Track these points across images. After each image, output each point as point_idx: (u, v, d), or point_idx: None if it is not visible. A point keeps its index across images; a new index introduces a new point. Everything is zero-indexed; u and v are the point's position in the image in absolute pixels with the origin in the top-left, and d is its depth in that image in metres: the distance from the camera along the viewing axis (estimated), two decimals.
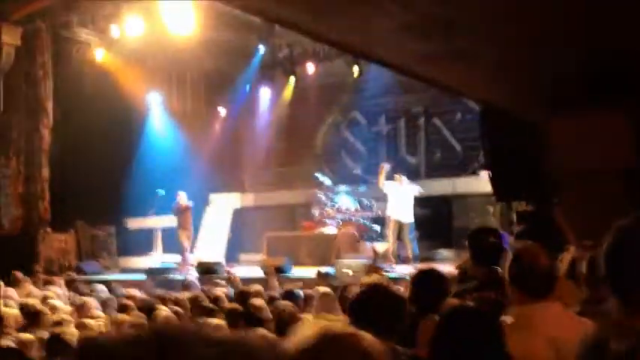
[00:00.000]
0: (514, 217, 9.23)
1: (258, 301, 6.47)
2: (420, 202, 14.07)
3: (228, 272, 12.31)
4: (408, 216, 12.69)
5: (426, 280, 3.75)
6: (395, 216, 12.67)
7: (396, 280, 8.94)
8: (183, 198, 13.79)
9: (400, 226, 12.61)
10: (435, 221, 14.60)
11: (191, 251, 13.84)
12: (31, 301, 7.74)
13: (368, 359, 1.43)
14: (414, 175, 15.92)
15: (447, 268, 6.55)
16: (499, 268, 3.64)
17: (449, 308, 2.62)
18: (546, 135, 6.01)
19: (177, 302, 7.68)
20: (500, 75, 5.92)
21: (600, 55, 5.05)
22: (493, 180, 8.20)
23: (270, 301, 6.82)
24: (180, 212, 13.72)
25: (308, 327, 1.51)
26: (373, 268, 9.85)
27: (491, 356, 2.33)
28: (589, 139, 5.71)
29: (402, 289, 5.81)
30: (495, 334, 2.34)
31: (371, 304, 2.89)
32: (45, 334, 5.80)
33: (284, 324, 5.36)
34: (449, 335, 2.36)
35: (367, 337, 1.48)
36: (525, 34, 4.83)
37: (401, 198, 12.68)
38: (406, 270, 10.52)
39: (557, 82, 5.51)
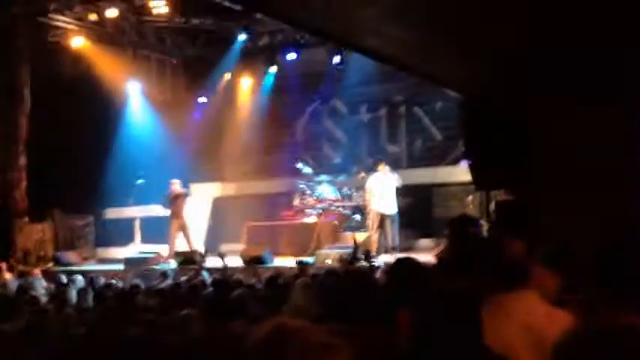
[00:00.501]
0: (493, 206, 9.27)
1: (238, 292, 6.44)
2: (400, 191, 14.09)
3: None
4: (391, 207, 12.71)
5: (403, 269, 3.73)
6: (376, 207, 12.68)
7: (376, 270, 8.94)
8: (177, 185, 13.64)
9: (382, 218, 12.62)
10: (416, 211, 14.63)
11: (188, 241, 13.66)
12: (7, 291, 7.66)
13: (319, 353, 1.45)
14: (395, 165, 15.94)
15: (427, 258, 6.56)
16: (478, 257, 3.62)
17: (427, 297, 2.60)
18: (527, 125, 6.03)
19: (155, 292, 7.63)
20: (480, 63, 5.91)
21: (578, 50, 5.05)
22: (472, 169, 8.22)
23: (251, 290, 6.79)
24: (174, 200, 13.55)
25: (266, 322, 1.55)
26: (345, 259, 9.82)
27: (470, 344, 2.31)
28: (574, 127, 5.72)
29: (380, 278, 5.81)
30: (474, 323, 2.33)
31: (341, 293, 2.86)
32: (22, 325, 5.73)
33: (262, 314, 5.33)
34: (427, 324, 2.34)
35: (321, 331, 1.51)
36: (508, 24, 4.82)
37: (384, 189, 12.69)
38: (389, 260, 10.52)
39: (538, 72, 5.51)
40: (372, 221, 12.66)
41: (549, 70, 5.30)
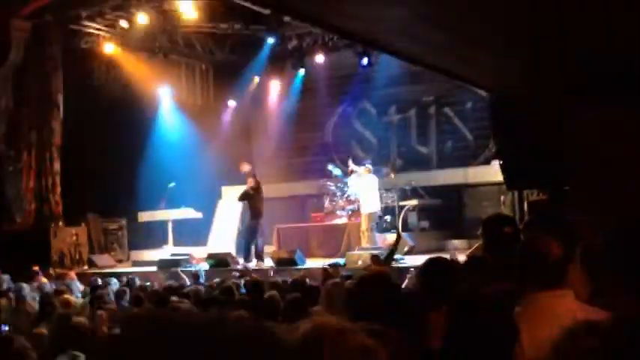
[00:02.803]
0: (526, 206, 9.19)
1: (271, 293, 6.48)
2: (431, 192, 14.06)
3: (243, 265, 12.35)
4: (372, 206, 12.80)
5: (436, 270, 3.71)
6: (363, 210, 12.98)
7: (403, 271, 8.95)
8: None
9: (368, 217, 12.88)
10: (446, 211, 14.56)
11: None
12: (45, 294, 7.79)
13: (357, 355, 1.44)
14: (425, 165, 15.89)
15: (459, 258, 6.52)
16: (513, 258, 3.60)
17: (462, 298, 2.59)
18: (562, 123, 5.96)
19: (188, 294, 7.70)
20: (512, 63, 5.87)
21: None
22: (504, 169, 8.16)
23: (280, 292, 6.82)
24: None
25: (303, 322, 1.52)
26: (375, 259, 9.83)
27: (505, 346, 2.30)
28: (608, 127, 5.65)
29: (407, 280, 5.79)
30: (510, 325, 2.32)
31: (366, 295, 2.86)
32: (58, 327, 5.83)
33: (293, 315, 5.35)
34: (462, 326, 2.33)
35: (358, 333, 1.49)
36: (538, 21, 4.78)
37: (364, 190, 12.80)
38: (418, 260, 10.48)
39: (573, 70, 5.46)
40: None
41: (585, 70, 5.25)
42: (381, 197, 14.35)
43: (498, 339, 2.29)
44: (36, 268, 11.27)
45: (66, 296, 7.51)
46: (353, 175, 13.31)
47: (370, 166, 13.45)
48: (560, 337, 1.48)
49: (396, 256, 11.06)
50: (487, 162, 14.02)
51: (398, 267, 10.39)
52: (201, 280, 10.08)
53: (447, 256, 4.86)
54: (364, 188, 13.04)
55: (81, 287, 9.78)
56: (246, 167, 13.65)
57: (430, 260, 3.85)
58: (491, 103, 8.60)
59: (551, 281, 2.78)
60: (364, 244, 12.69)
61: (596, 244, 3.53)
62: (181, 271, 11.74)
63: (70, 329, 5.24)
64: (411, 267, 9.32)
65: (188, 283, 9.86)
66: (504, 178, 8.34)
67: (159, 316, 1.44)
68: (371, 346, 1.45)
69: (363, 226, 12.98)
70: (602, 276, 3.33)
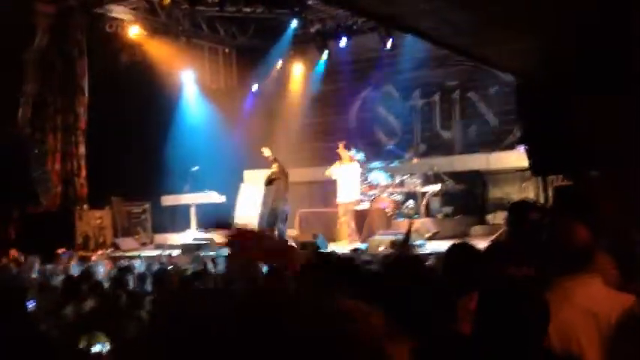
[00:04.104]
0: (550, 191, 9.08)
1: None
2: (454, 177, 13.94)
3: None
4: (348, 196, 12.99)
5: (461, 255, 3.67)
6: (340, 199, 13.03)
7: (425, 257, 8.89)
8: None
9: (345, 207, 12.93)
10: (470, 197, 14.45)
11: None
12: (70, 276, 7.88)
13: (385, 340, 1.41)
14: (448, 150, 15.78)
15: (482, 244, 6.45)
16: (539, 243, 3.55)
17: (492, 283, 2.56)
18: (588, 108, 5.87)
19: (208, 278, 7.73)
20: (539, 46, 5.77)
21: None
22: (529, 154, 8.06)
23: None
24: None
25: (327, 305, 1.49)
26: (399, 245, 9.79)
27: (535, 331, 2.27)
28: (628, 114, 5.55)
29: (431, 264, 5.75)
30: (540, 309, 2.28)
31: (394, 279, 2.82)
32: (85, 309, 5.90)
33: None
34: (493, 311, 2.30)
35: (384, 318, 1.46)
36: (569, 6, 4.69)
37: (344, 178, 12.91)
38: (441, 247, 10.43)
39: (601, 59, 5.36)
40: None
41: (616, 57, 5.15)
42: (403, 182, 14.28)
43: (530, 324, 2.26)
44: (61, 250, 11.41)
45: (91, 278, 7.58)
46: (336, 163, 13.32)
47: (354, 155, 13.49)
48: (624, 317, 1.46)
49: (418, 242, 11.02)
50: (511, 147, 13.87)
51: (420, 253, 10.34)
52: (219, 265, 10.10)
53: (471, 241, 4.83)
54: (344, 177, 13.04)
55: (104, 270, 9.86)
56: (266, 152, 13.65)
57: (454, 246, 3.82)
58: (517, 87, 8.48)
59: (577, 266, 2.75)
60: (344, 235, 12.77)
61: (625, 231, 3.48)
62: (203, 255, 11.78)
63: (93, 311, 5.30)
64: (433, 253, 9.28)
65: (210, 267, 9.89)
66: (529, 164, 8.25)
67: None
68: (398, 329, 1.42)
69: (341, 216, 13.04)
70: (632, 263, 3.28)
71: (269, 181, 13.31)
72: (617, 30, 4.89)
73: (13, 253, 10.47)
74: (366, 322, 1.43)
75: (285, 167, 13.25)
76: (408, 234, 10.39)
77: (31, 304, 5.67)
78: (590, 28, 5.07)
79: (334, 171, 13.18)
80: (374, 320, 1.44)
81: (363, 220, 13.50)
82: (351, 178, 13.04)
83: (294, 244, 12.29)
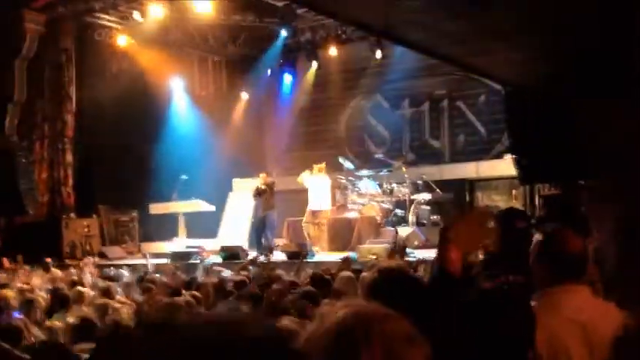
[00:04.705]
0: (538, 200, 9.11)
1: (278, 287, 6.45)
2: (443, 185, 13.96)
3: (254, 257, 12.35)
4: (323, 205, 13.23)
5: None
6: (311, 207, 13.22)
7: (416, 264, 8.90)
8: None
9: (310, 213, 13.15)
10: (459, 205, 14.46)
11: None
12: (58, 286, 7.81)
13: (405, 345, 1.33)
14: (437, 159, 15.81)
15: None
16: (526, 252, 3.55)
17: (481, 291, 2.55)
18: (579, 117, 5.89)
19: (199, 287, 7.69)
20: (528, 56, 5.80)
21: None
22: (517, 163, 8.09)
23: (292, 286, 6.79)
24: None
25: (341, 306, 1.37)
26: (393, 253, 9.79)
27: (522, 340, 2.27)
28: (624, 122, 5.58)
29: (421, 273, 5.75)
30: (526, 318, 2.28)
31: (386, 287, 2.81)
32: (73, 319, 5.84)
33: (306, 309, 5.32)
34: (480, 318, 2.29)
35: (403, 319, 1.37)
36: (557, 14, 4.71)
37: (314, 187, 13.13)
38: (429, 254, 10.44)
39: (591, 64, 5.38)
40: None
41: (604, 67, 5.18)
42: (392, 191, 14.27)
43: (517, 333, 2.26)
44: (48, 259, 11.33)
45: (78, 288, 7.51)
46: (307, 171, 13.47)
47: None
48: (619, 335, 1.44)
49: (407, 250, 11.01)
50: (499, 156, 13.92)
51: (408, 260, 10.33)
52: (212, 274, 10.06)
53: None
54: (315, 187, 13.17)
55: (91, 279, 9.79)
56: (268, 179, 13.72)
57: None
58: (506, 96, 8.51)
59: (570, 275, 2.74)
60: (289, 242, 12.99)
61: (608, 240, 3.49)
62: (191, 263, 11.75)
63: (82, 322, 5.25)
64: (422, 260, 9.28)
65: (199, 275, 9.85)
66: (517, 172, 8.28)
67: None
68: (416, 334, 1.35)
69: (308, 222, 13.33)
70: (613, 272, 3.29)
71: (257, 194, 13.35)
72: (618, 33, 4.90)
73: (4, 261, 10.38)
74: (382, 324, 1.34)
75: (272, 179, 13.38)
76: (400, 243, 10.40)
77: (17, 315, 5.62)
78: (589, 33, 5.09)
79: (305, 179, 13.31)
80: (392, 324, 1.37)
81: (352, 229, 13.48)
82: (322, 189, 13.21)
83: (283, 253, 12.29)
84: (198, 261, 12.21)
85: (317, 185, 13.18)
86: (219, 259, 12.42)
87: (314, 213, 13.25)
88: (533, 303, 2.64)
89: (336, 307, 1.35)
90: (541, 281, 2.79)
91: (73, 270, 10.60)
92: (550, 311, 2.67)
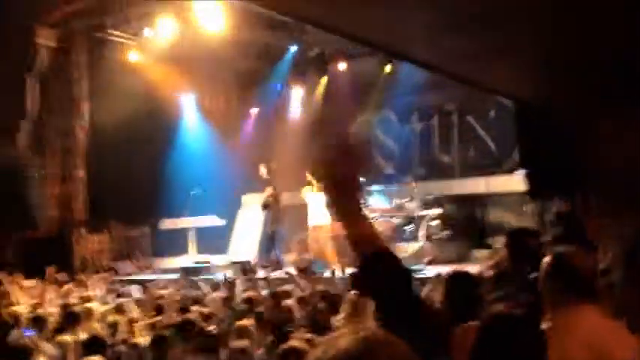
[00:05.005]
0: (548, 217, 9.05)
1: (289, 302, 6.45)
2: (453, 201, 13.93)
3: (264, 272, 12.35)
4: (319, 220, 13.10)
5: (460, 285, 3.67)
6: (311, 222, 13.17)
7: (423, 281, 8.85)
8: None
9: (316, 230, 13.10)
10: (469, 221, 14.42)
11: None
12: (69, 302, 7.84)
13: None
14: (447, 174, 15.78)
15: (480, 269, 6.43)
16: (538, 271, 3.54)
17: (494, 314, 2.53)
18: (587, 133, 5.87)
19: (210, 303, 7.70)
20: (537, 72, 5.79)
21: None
22: (528, 179, 8.05)
23: (301, 301, 6.79)
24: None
25: (345, 333, 1.39)
26: None
27: None
28: (632, 138, 5.55)
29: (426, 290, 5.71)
30: (540, 343, 2.27)
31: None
32: (83, 335, 5.86)
33: (318, 325, 5.32)
34: (493, 342, 2.28)
35: (405, 345, 1.40)
36: (564, 30, 4.71)
37: (316, 204, 13.02)
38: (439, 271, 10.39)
39: (600, 80, 5.36)
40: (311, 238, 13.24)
41: (614, 80, 5.17)
42: (402, 206, 14.24)
43: (530, 355, 2.25)
44: (59, 275, 11.36)
45: (88, 305, 7.54)
46: (308, 187, 13.51)
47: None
48: None
49: (416, 267, 10.98)
50: (510, 171, 13.87)
51: (418, 277, 10.29)
52: (221, 289, 10.04)
53: (470, 267, 4.81)
54: (315, 202, 13.25)
55: (103, 295, 9.81)
56: (262, 169, 13.76)
57: (455, 274, 3.81)
58: (516, 112, 8.50)
59: (582, 296, 2.72)
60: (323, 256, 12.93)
61: (618, 257, 3.47)
62: (201, 279, 11.74)
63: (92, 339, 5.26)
64: (431, 277, 9.23)
65: (206, 291, 9.84)
66: (528, 188, 8.24)
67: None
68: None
69: (309, 239, 13.30)
70: (622, 291, 3.26)
71: (264, 206, 13.40)
72: (629, 44, 4.88)
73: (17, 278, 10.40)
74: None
75: (278, 190, 13.35)
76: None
77: (29, 333, 5.64)
78: (599, 46, 5.08)
79: (307, 195, 13.35)
80: (396, 350, 1.38)
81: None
82: (322, 205, 13.24)
83: (292, 270, 12.28)
84: (209, 276, 12.20)
85: (317, 201, 13.20)
86: (229, 275, 12.40)
87: (315, 228, 13.25)
88: (544, 325, 2.63)
89: (341, 333, 1.37)
90: (551, 302, 2.78)
91: (86, 286, 10.63)
92: (562, 332, 2.65)
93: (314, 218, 13.25)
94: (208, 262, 13.44)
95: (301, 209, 15.87)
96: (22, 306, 7.86)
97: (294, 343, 4.34)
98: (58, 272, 11.37)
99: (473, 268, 4.64)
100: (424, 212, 13.61)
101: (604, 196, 6.10)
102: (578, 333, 2.67)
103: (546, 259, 2.88)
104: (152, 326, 6.67)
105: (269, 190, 13.32)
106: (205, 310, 7.21)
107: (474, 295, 3.56)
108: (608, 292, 3.23)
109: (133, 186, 14.40)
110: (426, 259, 12.03)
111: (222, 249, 14.91)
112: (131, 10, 13.93)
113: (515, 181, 11.72)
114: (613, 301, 3.17)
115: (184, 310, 7.32)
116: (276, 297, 7.33)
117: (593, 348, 2.62)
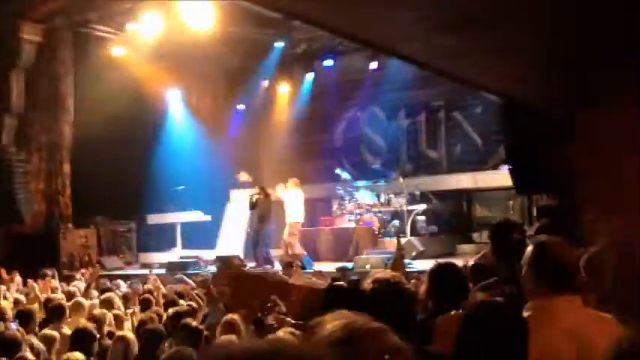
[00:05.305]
0: (535, 211, 9.14)
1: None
2: (440, 196, 14.01)
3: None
4: (294, 217, 13.27)
5: (445, 276, 3.71)
6: (288, 219, 13.27)
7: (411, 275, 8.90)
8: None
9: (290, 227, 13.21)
10: (455, 216, 14.51)
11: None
12: (55, 296, 7.81)
13: (396, 355, 1.37)
14: (434, 170, 15.86)
15: (465, 261, 6.48)
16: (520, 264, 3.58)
17: (477, 303, 2.57)
18: (573, 129, 5.92)
19: (195, 297, 7.71)
20: (525, 70, 5.83)
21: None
22: (514, 173, 8.12)
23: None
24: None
25: (330, 321, 1.42)
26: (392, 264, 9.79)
27: (517, 351, 2.29)
28: (617, 134, 5.61)
29: (413, 284, 5.76)
30: (522, 330, 2.30)
31: (381, 299, 2.84)
32: (68, 330, 5.85)
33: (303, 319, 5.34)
34: (476, 330, 2.31)
35: (389, 332, 1.42)
36: (551, 29, 4.74)
37: (291, 202, 13.23)
38: (426, 265, 10.44)
39: (586, 77, 5.41)
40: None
41: (600, 78, 5.21)
42: (389, 202, 14.31)
43: (511, 344, 2.28)
44: (45, 270, 11.30)
45: (76, 299, 7.51)
46: (281, 185, 13.56)
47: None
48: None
49: (405, 260, 11.01)
50: (496, 167, 13.97)
51: (405, 271, 10.34)
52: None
53: (456, 261, 4.85)
54: (289, 200, 13.31)
55: (89, 289, 9.77)
56: (243, 177, 13.80)
57: (438, 265, 3.85)
58: (502, 108, 8.56)
59: (563, 286, 2.76)
60: (285, 253, 13.00)
61: (600, 251, 3.51)
62: (188, 274, 11.73)
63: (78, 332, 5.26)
64: (418, 271, 9.28)
65: (192, 286, 9.81)
66: (514, 183, 8.31)
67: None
68: (403, 346, 1.39)
69: (285, 236, 13.27)
70: (606, 283, 3.31)
71: (252, 206, 13.40)
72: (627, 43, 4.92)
73: (1, 272, 10.35)
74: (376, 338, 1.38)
75: (267, 189, 13.35)
76: (399, 253, 10.39)
77: (14, 327, 5.62)
78: (587, 46, 5.12)
79: (280, 193, 13.40)
80: (382, 336, 1.40)
81: (349, 239, 13.51)
82: (296, 203, 13.29)
83: (278, 263, 12.30)
84: (195, 271, 12.19)
85: (291, 199, 13.25)
86: (214, 269, 12.41)
87: (290, 225, 13.31)
88: (525, 314, 2.67)
89: (327, 320, 1.39)
90: (532, 292, 2.81)
91: (74, 280, 10.60)
92: (544, 322, 2.68)
93: (288, 216, 13.33)
94: (196, 257, 13.44)
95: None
96: (7, 301, 7.82)
97: (280, 333, 4.36)
98: (44, 267, 11.31)
99: (458, 262, 4.68)
100: (411, 207, 13.68)
101: (593, 193, 6.15)
102: (559, 322, 2.71)
103: (529, 249, 2.91)
104: (139, 321, 6.67)
105: (256, 189, 13.37)
106: (192, 304, 7.22)
107: (459, 286, 3.60)
108: (592, 283, 3.28)
109: (119, 181, 14.35)
110: (412, 254, 12.08)
111: (209, 244, 14.90)
112: (116, 5, 13.85)
113: (501, 177, 11.82)
114: (597, 293, 3.22)
115: (171, 304, 7.32)
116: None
117: (574, 337, 2.65)
